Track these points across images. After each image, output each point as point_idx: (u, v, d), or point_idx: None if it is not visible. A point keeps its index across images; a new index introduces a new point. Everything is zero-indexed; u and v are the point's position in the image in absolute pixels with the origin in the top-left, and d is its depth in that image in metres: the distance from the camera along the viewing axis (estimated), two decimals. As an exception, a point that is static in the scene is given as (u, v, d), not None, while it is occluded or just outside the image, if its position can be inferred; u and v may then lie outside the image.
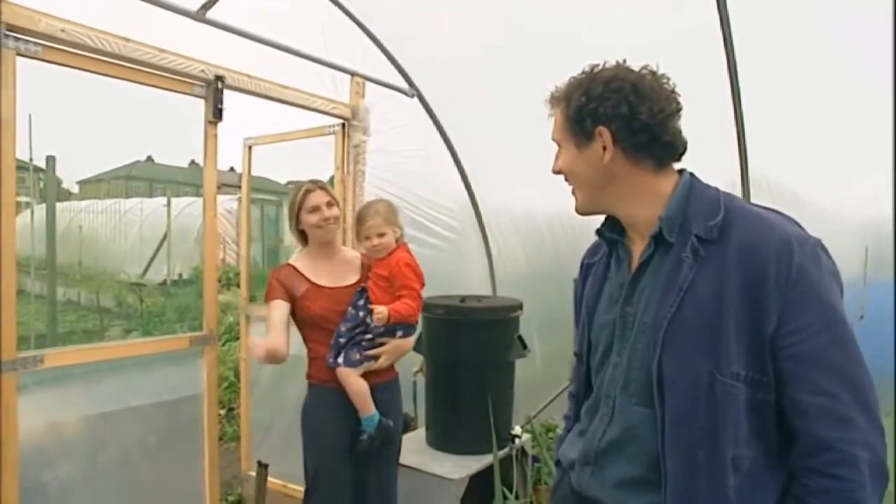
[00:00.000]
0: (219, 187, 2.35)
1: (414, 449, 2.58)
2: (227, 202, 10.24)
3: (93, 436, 2.10)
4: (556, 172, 1.14)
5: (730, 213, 0.99)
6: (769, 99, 2.43)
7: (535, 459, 2.91)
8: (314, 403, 2.12)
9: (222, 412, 4.23)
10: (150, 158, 24.35)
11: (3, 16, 1.63)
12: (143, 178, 24.86)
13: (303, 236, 2.16)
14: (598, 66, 1.06)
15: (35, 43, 1.73)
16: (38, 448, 1.89)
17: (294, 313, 2.08)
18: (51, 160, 5.51)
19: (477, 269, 3.71)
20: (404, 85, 3.14)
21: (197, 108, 2.21)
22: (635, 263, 1.09)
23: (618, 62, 1.06)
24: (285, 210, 12.30)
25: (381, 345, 2.10)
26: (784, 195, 2.60)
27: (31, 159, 5.41)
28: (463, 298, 2.71)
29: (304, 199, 2.08)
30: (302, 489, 2.16)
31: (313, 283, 2.09)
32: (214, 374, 2.27)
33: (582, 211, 1.14)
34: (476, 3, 2.76)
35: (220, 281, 2.62)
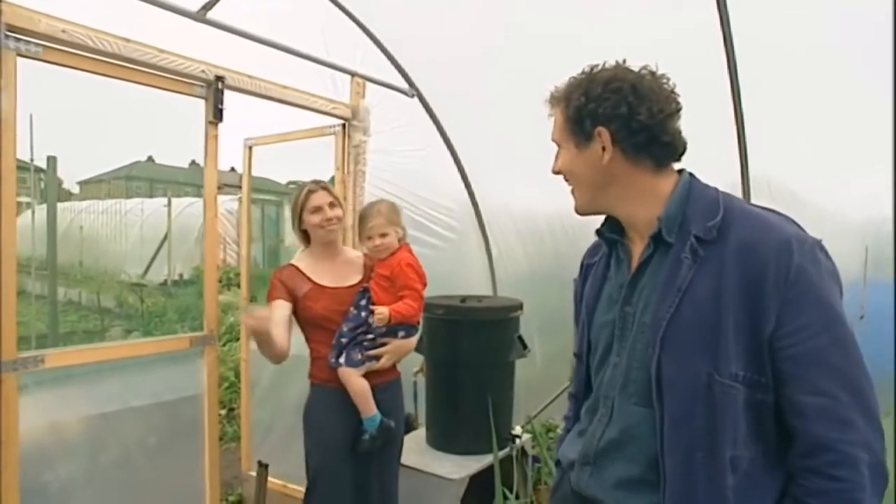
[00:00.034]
0: (219, 187, 2.35)
1: (414, 449, 2.58)
2: (227, 202, 10.25)
3: (93, 436, 2.10)
4: (556, 173, 1.14)
5: (729, 214, 0.99)
6: (769, 99, 2.43)
7: (536, 459, 2.91)
8: (316, 403, 2.12)
9: (223, 412, 4.23)
10: (150, 159, 24.37)
11: (4, 16, 1.63)
12: (144, 179, 24.89)
13: (305, 236, 2.16)
14: (597, 66, 1.07)
15: (35, 43, 1.73)
16: (39, 448, 1.89)
17: (296, 313, 2.09)
18: (51, 160, 5.52)
19: (477, 269, 3.72)
20: (404, 85, 3.15)
21: (197, 108, 2.21)
22: (635, 263, 1.09)
23: (617, 62, 1.07)
24: (286, 210, 12.32)
25: (383, 345, 2.11)
26: (784, 195, 2.60)
27: (31, 160, 5.42)
28: (463, 298, 2.71)
29: (307, 199, 2.09)
30: (302, 489, 2.17)
31: (315, 284, 2.09)
32: (215, 374, 2.27)
33: (581, 211, 1.14)
34: (476, 3, 2.76)
35: (220, 281, 2.63)
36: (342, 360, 2.05)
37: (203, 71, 2.16)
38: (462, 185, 3.57)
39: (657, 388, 0.99)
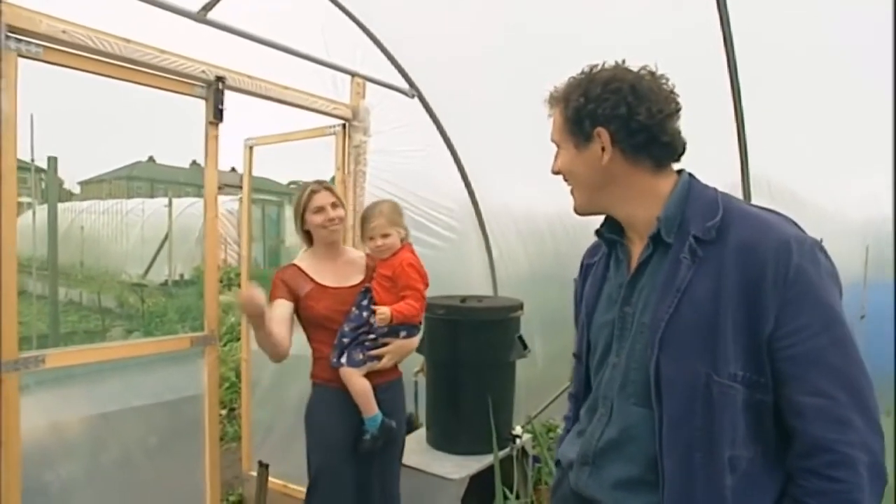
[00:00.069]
0: (220, 188, 2.35)
1: (414, 449, 2.59)
2: (228, 202, 10.25)
3: (94, 436, 2.10)
4: (556, 173, 1.14)
5: (728, 214, 0.99)
6: (769, 99, 2.43)
7: (536, 459, 2.91)
8: (317, 403, 2.13)
9: (223, 412, 4.24)
10: (151, 159, 24.39)
11: (5, 17, 1.64)
12: (145, 179, 24.91)
13: (308, 236, 2.17)
14: (596, 66, 1.07)
15: (36, 44, 1.73)
16: (40, 448, 1.89)
17: (298, 313, 2.09)
18: (52, 161, 5.52)
19: (477, 269, 3.72)
20: (404, 85, 3.15)
21: (198, 108, 2.22)
22: (634, 264, 1.09)
23: (616, 63, 1.06)
24: (286, 210, 12.32)
25: (385, 345, 2.11)
26: (784, 195, 2.60)
27: (32, 160, 5.43)
28: (463, 298, 2.71)
29: (310, 199, 2.09)
30: (303, 489, 2.17)
31: (317, 283, 2.09)
32: (215, 374, 2.27)
33: (581, 211, 1.14)
34: (476, 3, 2.76)
35: (221, 281, 2.62)
36: (344, 359, 2.06)
37: (203, 71, 2.16)
38: (462, 185, 3.57)
39: (656, 388, 0.99)
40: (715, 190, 1.06)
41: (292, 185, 15.74)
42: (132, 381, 2.20)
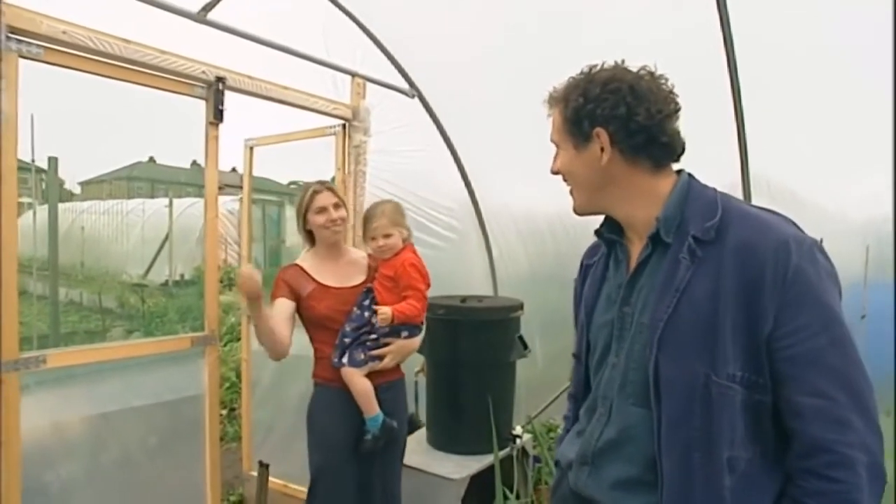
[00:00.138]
0: (221, 188, 2.35)
1: (415, 449, 2.58)
2: (228, 203, 10.24)
3: (95, 436, 2.10)
4: (555, 173, 1.14)
5: (727, 214, 0.99)
6: (769, 99, 2.43)
7: (536, 459, 2.91)
8: (319, 403, 2.13)
9: (224, 412, 4.24)
10: (151, 159, 24.40)
11: (5, 18, 1.64)
12: (145, 179, 24.91)
13: (310, 237, 2.17)
14: (596, 66, 1.06)
15: (37, 45, 1.74)
16: (41, 448, 1.89)
17: (300, 313, 2.10)
18: (53, 161, 5.52)
19: (478, 269, 3.72)
20: (405, 85, 3.15)
21: (199, 108, 2.22)
22: (633, 264, 1.09)
23: (616, 63, 1.06)
24: (287, 210, 12.30)
25: (386, 345, 2.11)
26: (784, 195, 2.60)
27: (33, 160, 5.43)
28: (464, 298, 2.71)
29: (312, 199, 2.09)
30: (303, 489, 2.17)
31: (319, 283, 2.10)
32: (216, 374, 2.27)
33: (580, 211, 1.14)
34: (476, 3, 2.76)
35: (221, 281, 2.62)
36: (345, 359, 2.06)
37: (203, 72, 2.16)
38: (462, 184, 3.57)
39: (655, 388, 0.99)
40: (714, 190, 1.06)
41: (293, 186, 15.75)
42: (133, 382, 2.20)
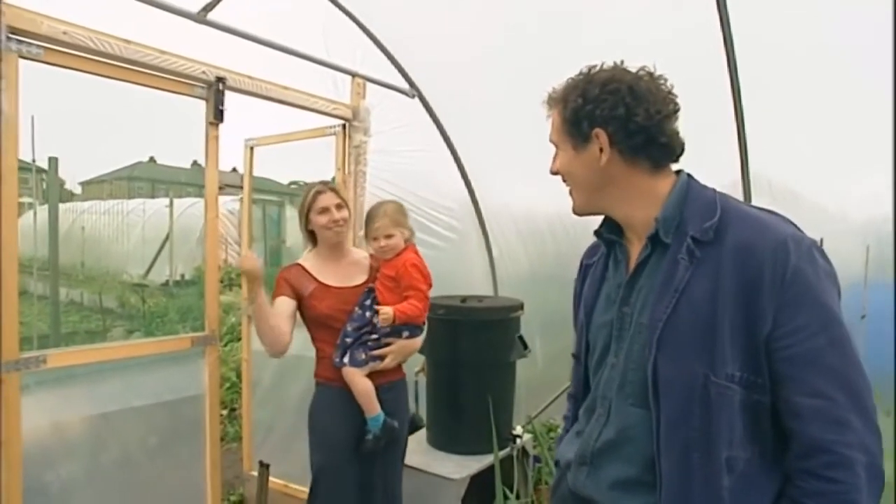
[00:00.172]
0: (221, 188, 2.36)
1: (415, 449, 2.59)
2: (229, 203, 10.24)
3: (95, 436, 2.10)
4: (554, 173, 1.14)
5: (726, 214, 0.99)
6: (769, 99, 2.43)
7: (537, 459, 2.91)
8: (320, 402, 2.13)
9: (224, 412, 4.24)
10: (152, 159, 24.38)
11: (6, 18, 1.64)
12: (146, 179, 24.90)
13: (312, 237, 2.18)
14: (595, 67, 1.06)
15: (37, 45, 1.74)
16: (41, 448, 1.90)
17: (302, 312, 2.10)
18: (53, 161, 5.53)
19: (478, 269, 3.72)
20: (405, 85, 3.15)
21: (199, 108, 2.22)
22: (633, 264, 1.09)
23: (615, 63, 1.06)
24: (287, 210, 12.28)
25: (387, 345, 2.11)
26: (785, 195, 2.60)
27: (33, 160, 5.42)
28: (464, 298, 2.71)
29: (314, 200, 2.10)
30: (303, 489, 2.17)
31: (321, 283, 2.10)
32: (216, 374, 2.27)
33: (579, 212, 1.14)
34: (476, 3, 2.76)
35: (221, 281, 2.62)
36: (346, 359, 2.06)
37: (204, 72, 2.16)
38: (462, 184, 3.57)
39: (654, 388, 0.99)
40: (713, 190, 1.06)
41: (293, 186, 15.75)
42: (133, 382, 2.20)
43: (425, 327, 2.27)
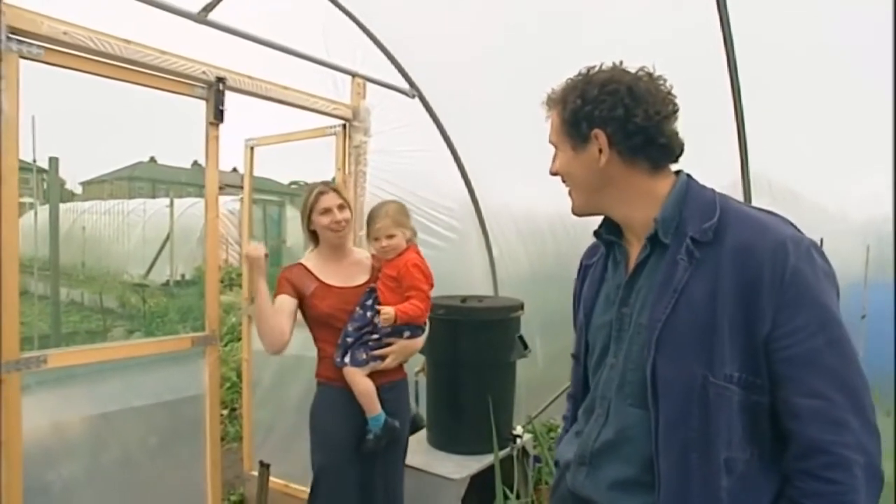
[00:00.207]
0: (221, 188, 2.36)
1: (415, 449, 2.59)
2: (229, 203, 10.25)
3: (95, 436, 2.11)
4: (554, 174, 1.14)
5: (725, 215, 0.99)
6: (769, 99, 2.43)
7: (537, 459, 2.91)
8: (321, 402, 2.14)
9: (224, 412, 4.25)
10: (152, 159, 24.36)
11: (6, 18, 1.64)
12: (146, 179, 24.88)
13: (314, 236, 2.18)
14: (594, 67, 1.06)
15: (37, 45, 1.74)
16: (42, 448, 1.90)
17: (304, 311, 2.11)
18: (54, 161, 5.53)
19: (478, 269, 3.72)
20: (405, 85, 3.15)
21: (199, 108, 2.22)
22: (632, 265, 1.09)
23: (614, 64, 1.06)
24: (288, 210, 12.27)
25: (389, 345, 2.11)
26: (785, 195, 2.60)
27: (34, 161, 5.42)
28: (464, 298, 2.71)
29: (317, 200, 2.10)
30: (304, 489, 2.17)
31: (322, 283, 2.11)
32: (216, 374, 2.28)
33: (578, 212, 1.14)
34: (476, 3, 2.76)
35: (222, 281, 2.63)
36: (347, 359, 2.06)
37: (204, 72, 2.16)
38: (462, 184, 3.57)
39: (653, 389, 0.99)
40: (713, 191, 1.06)
41: (293, 186, 15.75)
42: (133, 382, 2.20)
43: (427, 327, 2.27)
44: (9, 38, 1.66)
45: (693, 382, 0.95)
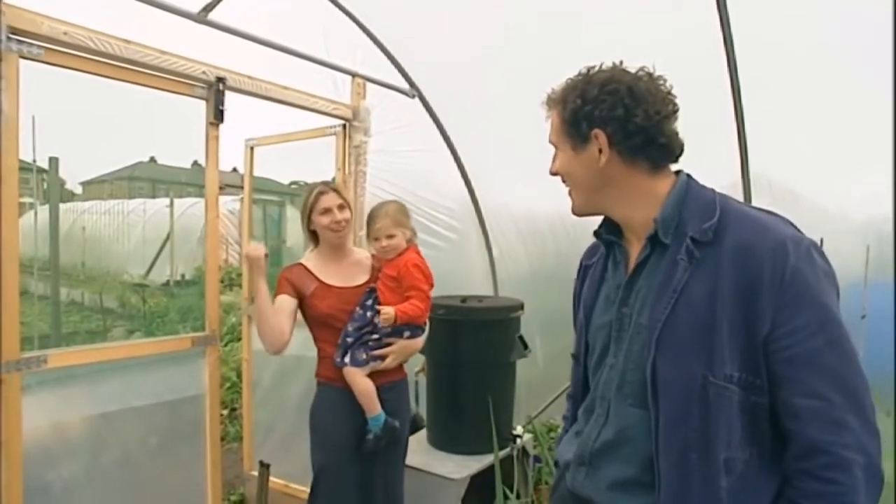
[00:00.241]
0: (222, 188, 2.36)
1: (416, 449, 2.59)
2: (229, 203, 10.25)
3: (96, 436, 2.11)
4: (554, 174, 1.14)
5: (725, 215, 0.99)
6: (769, 99, 2.43)
7: (537, 459, 2.91)
8: (322, 402, 2.14)
9: (224, 412, 4.25)
10: (152, 159, 24.35)
11: (6, 18, 1.64)
12: (146, 179, 24.87)
13: (314, 236, 2.18)
14: (594, 67, 1.06)
15: (38, 45, 1.74)
16: (42, 448, 1.90)
17: (304, 311, 2.11)
18: (54, 161, 5.53)
19: (478, 269, 3.72)
20: (405, 85, 3.15)
21: (199, 108, 2.22)
22: (632, 265, 1.09)
23: (614, 64, 1.06)
24: (288, 210, 12.27)
25: (389, 345, 2.11)
26: (785, 195, 2.60)
27: (34, 161, 5.42)
28: (464, 298, 2.71)
29: (317, 200, 2.10)
30: (304, 488, 2.17)
31: (322, 283, 2.11)
32: (216, 374, 2.28)
33: (578, 212, 1.14)
34: (476, 3, 2.76)
35: (222, 281, 2.63)
36: (347, 359, 2.06)
37: (204, 72, 2.16)
38: (462, 184, 3.57)
39: (652, 389, 0.99)
40: (713, 191, 1.06)
41: (293, 186, 15.75)
42: (133, 382, 2.20)
43: (427, 327, 2.27)
44: (9, 38, 1.66)
45: (693, 382, 0.95)
